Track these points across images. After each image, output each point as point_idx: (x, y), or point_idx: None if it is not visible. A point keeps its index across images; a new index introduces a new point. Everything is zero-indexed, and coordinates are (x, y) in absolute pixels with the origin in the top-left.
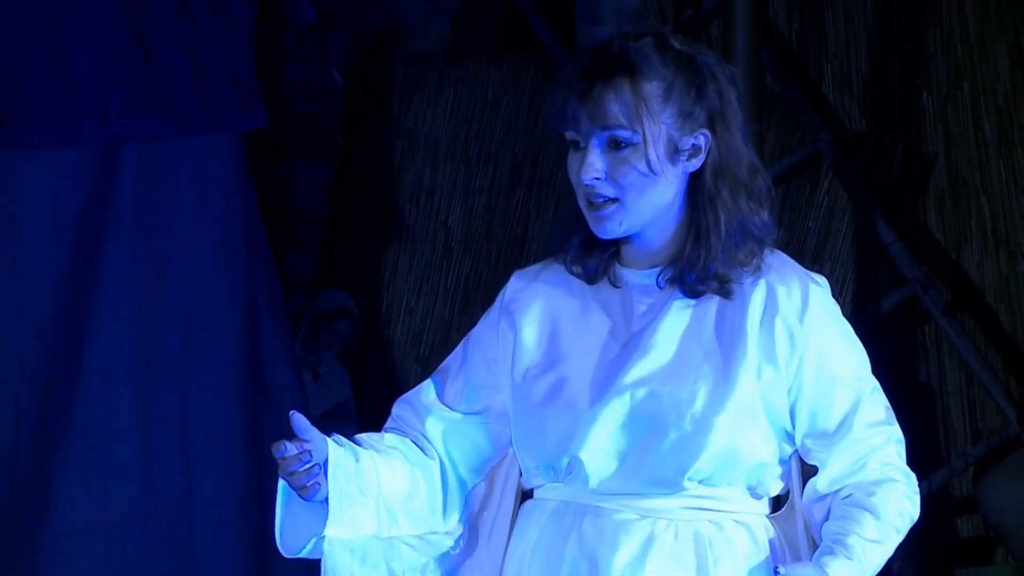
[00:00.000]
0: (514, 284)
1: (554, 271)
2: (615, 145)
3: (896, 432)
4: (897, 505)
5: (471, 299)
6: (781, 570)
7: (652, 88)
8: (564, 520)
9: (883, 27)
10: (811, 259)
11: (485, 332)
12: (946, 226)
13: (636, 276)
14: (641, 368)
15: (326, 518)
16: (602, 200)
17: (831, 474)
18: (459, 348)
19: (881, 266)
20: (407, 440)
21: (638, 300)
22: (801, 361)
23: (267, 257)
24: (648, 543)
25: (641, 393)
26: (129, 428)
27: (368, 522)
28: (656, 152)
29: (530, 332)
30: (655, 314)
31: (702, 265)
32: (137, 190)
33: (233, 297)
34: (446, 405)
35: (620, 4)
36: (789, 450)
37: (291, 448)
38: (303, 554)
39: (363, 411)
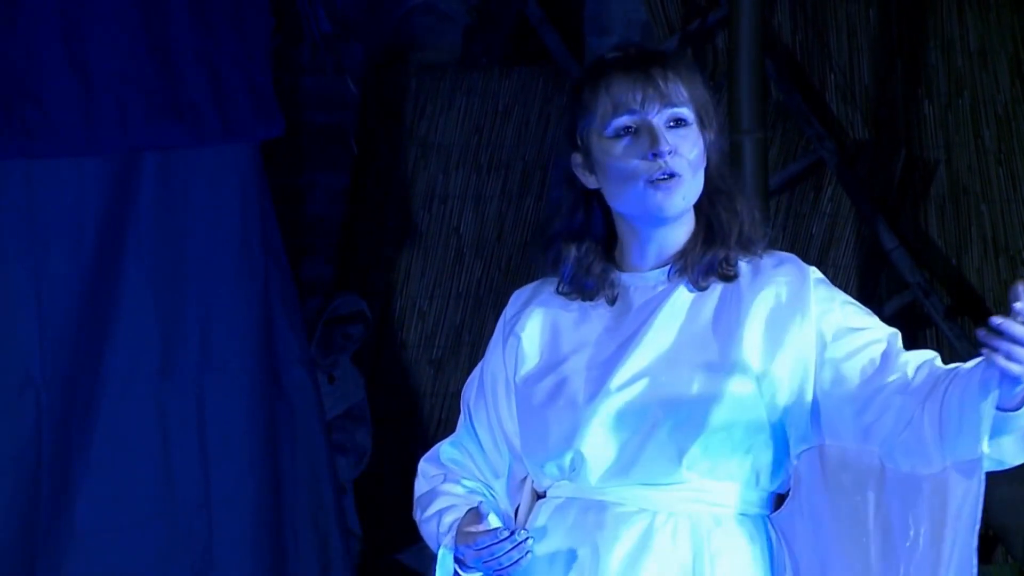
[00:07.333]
0: (513, 303)
1: (550, 291)
2: (676, 123)
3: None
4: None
5: (483, 303)
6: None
7: (693, 75)
8: (568, 514)
9: (885, 38)
10: (815, 264)
11: (494, 359)
12: (947, 232)
13: (639, 279)
14: (637, 359)
15: None
16: (664, 176)
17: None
18: (475, 385)
19: (883, 271)
20: (484, 489)
21: (638, 297)
22: (816, 321)
23: (283, 262)
24: (647, 535)
25: (638, 383)
26: (148, 429)
27: None
28: (705, 134)
29: (531, 340)
30: (654, 307)
31: (711, 256)
32: (156, 197)
33: (250, 301)
34: (483, 446)
35: (629, 15)
36: (793, 449)
37: (502, 532)
38: None
39: (377, 413)
